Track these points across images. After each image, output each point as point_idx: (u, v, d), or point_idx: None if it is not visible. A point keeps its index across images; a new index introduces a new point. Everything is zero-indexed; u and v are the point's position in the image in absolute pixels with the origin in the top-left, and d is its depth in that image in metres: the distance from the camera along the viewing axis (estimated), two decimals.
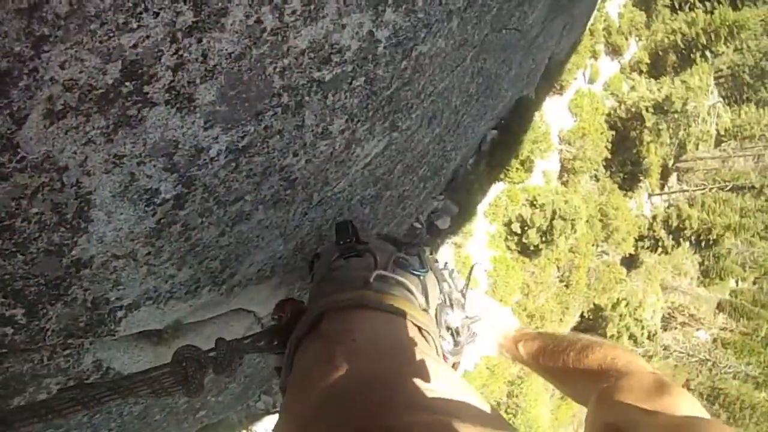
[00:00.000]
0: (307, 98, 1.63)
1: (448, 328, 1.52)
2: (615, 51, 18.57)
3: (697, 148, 18.05)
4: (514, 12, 3.41)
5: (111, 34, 1.02)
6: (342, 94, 1.78)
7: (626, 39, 18.71)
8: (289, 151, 1.76)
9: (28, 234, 1.19)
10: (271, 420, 6.82)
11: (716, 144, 19.47)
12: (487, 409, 0.98)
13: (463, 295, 1.67)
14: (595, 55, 17.06)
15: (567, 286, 15.17)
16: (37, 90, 0.98)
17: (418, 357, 1.12)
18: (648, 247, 18.82)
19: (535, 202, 12.71)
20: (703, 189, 20.98)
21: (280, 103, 1.54)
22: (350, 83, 1.78)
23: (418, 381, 0.99)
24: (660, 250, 18.82)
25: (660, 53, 18.94)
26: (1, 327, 1.32)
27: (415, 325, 1.34)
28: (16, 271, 1.24)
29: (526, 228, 12.63)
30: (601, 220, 15.98)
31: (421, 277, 1.57)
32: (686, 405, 0.91)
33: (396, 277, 1.49)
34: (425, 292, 1.53)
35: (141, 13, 1.03)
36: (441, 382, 1.01)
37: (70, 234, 1.28)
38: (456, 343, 1.52)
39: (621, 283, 17.41)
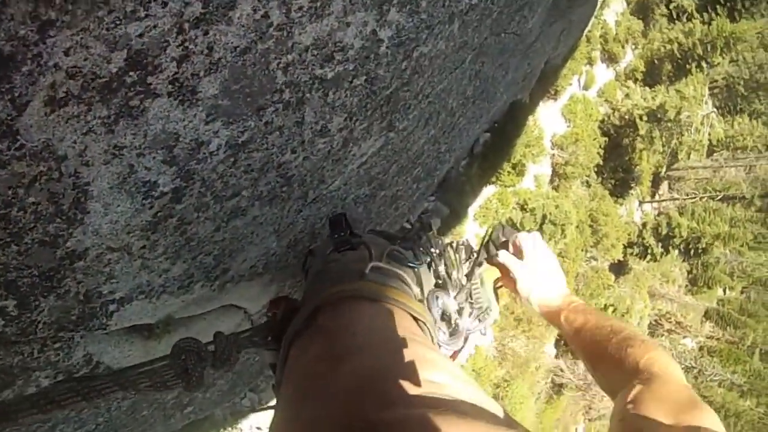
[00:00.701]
0: (308, 95, 1.62)
1: (443, 317, 1.50)
2: (611, 58, 18.67)
3: (689, 158, 18.20)
4: (514, 16, 3.42)
5: (118, 22, 1.01)
6: (342, 92, 1.78)
7: (622, 47, 18.81)
8: (287, 148, 1.75)
9: (24, 224, 1.17)
10: (256, 417, 6.80)
11: (708, 154, 19.56)
12: (486, 399, 0.97)
13: (474, 267, 1.67)
14: (591, 62, 17.14)
15: None
16: (40, 76, 0.97)
17: (417, 348, 1.11)
18: (637, 254, 18.94)
19: (525, 206, 12.75)
20: (694, 198, 21.12)
21: (281, 99, 1.53)
22: (351, 82, 1.78)
23: (417, 373, 0.98)
24: (649, 257, 18.95)
25: (656, 62, 19.05)
26: None
27: (412, 315, 1.33)
28: (10, 262, 1.22)
29: None
30: (590, 226, 16.03)
31: (416, 270, 1.56)
32: (711, 425, 0.91)
33: (392, 268, 1.48)
34: (420, 284, 1.51)
35: (150, 1, 1.02)
36: (440, 374, 1.00)
37: (66, 225, 1.26)
38: (452, 331, 1.50)
39: (609, 288, 17.50)
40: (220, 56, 1.24)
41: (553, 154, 15.30)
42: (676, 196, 22.08)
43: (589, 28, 14.35)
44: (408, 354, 1.07)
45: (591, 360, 1.40)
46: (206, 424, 5.66)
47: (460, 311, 1.53)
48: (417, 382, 0.95)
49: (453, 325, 1.50)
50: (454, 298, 1.55)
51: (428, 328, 1.36)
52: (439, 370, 1.02)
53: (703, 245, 18.70)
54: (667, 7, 19.75)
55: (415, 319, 1.34)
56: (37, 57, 0.94)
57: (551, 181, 15.39)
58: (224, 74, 1.28)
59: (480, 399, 0.96)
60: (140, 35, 1.05)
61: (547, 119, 14.82)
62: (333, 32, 1.51)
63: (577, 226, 14.39)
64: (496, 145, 10.82)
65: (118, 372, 1.22)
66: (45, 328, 1.47)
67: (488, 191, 12.68)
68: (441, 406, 0.87)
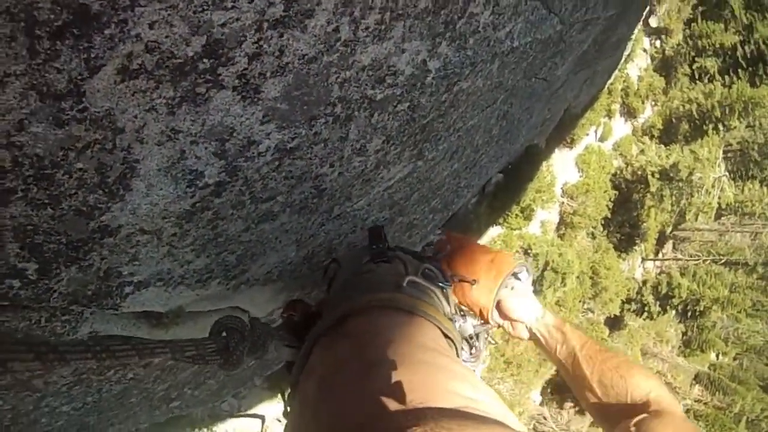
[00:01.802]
0: (356, 113, 1.67)
1: (463, 337, 1.56)
2: (630, 113, 18.79)
3: (696, 219, 18.20)
4: (547, 62, 3.49)
5: (206, 7, 1.02)
6: (386, 115, 1.83)
7: (642, 102, 18.93)
8: (327, 161, 1.80)
9: (65, 188, 1.16)
10: (232, 422, 6.79)
11: (716, 217, 19.49)
12: (512, 417, 0.98)
13: None
14: (609, 114, 17.24)
15: None
16: (120, 42, 0.97)
17: (448, 362, 1.13)
18: (634, 311, 18.85)
19: (529, 251, 12.69)
20: (697, 260, 20.98)
21: (333, 113, 1.58)
22: (395, 106, 1.83)
23: (448, 386, 1.00)
24: (645, 315, 18.85)
25: (673, 120, 19.13)
26: (9, 279, 1.29)
27: (442, 331, 1.37)
28: (41, 225, 1.21)
29: None
30: (591, 278, 15.95)
31: (444, 290, 1.60)
32: None
33: (426, 284, 1.52)
34: (449, 303, 1.56)
35: None
36: (469, 388, 1.02)
37: (106, 198, 1.26)
38: (473, 349, 1.56)
39: (602, 342, 17.35)
40: (289, 61, 1.27)
41: (563, 202, 15.31)
42: (679, 256, 21.97)
43: (611, 80, 14.45)
44: (439, 366, 1.09)
45: (592, 379, 1.40)
46: (185, 420, 5.67)
47: (477, 335, 1.60)
48: (448, 395, 0.97)
49: (472, 346, 1.57)
50: (472, 326, 1.62)
51: (455, 345, 1.40)
52: (468, 384, 1.04)
53: (701, 308, 18.61)
54: (690, 66, 19.86)
55: (445, 335, 1.37)
56: (122, 23, 0.94)
57: (557, 229, 15.37)
58: (288, 79, 1.31)
59: (505, 414, 0.97)
60: (222, 24, 1.07)
61: (561, 167, 14.84)
62: (389, 56, 1.55)
63: (578, 277, 14.34)
64: (507, 187, 10.82)
65: (165, 340, 1.21)
66: (59, 298, 1.46)
67: (494, 231, 12.63)
68: (470, 419, 0.88)
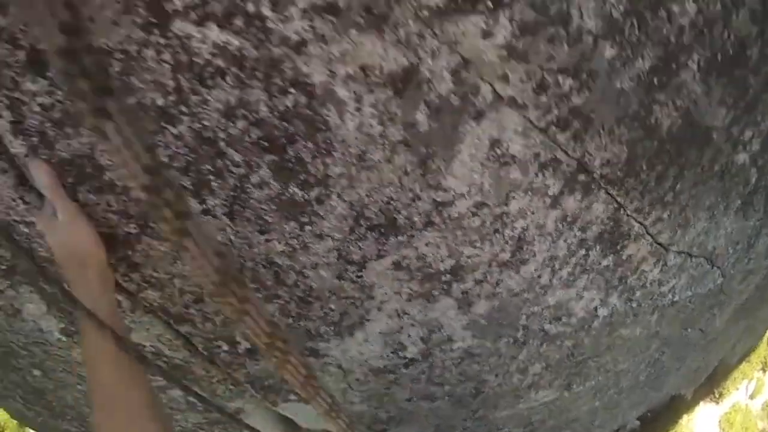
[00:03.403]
0: (531, 341, 1.97)
1: None
2: None
3: None
4: (705, 313, 3.36)
5: (464, 242, 1.43)
6: (553, 347, 2.09)
7: None
8: (494, 372, 2.07)
9: (311, 313, 1.53)
10: None
11: None
12: None
13: None
14: (765, 367, 15.62)
15: None
16: (404, 248, 1.38)
17: None
18: None
19: None
20: None
21: (514, 336, 1.89)
22: (562, 342, 2.09)
23: None
24: None
25: None
26: (222, 341, 1.61)
27: None
28: (264, 328, 1.49)
29: None
30: None
31: None
32: None
33: None
34: None
35: (484, 240, 1.45)
36: None
37: (333, 333, 1.63)
38: None
39: None
40: (500, 291, 1.64)
41: None
42: None
43: None
44: None
45: None
46: None
47: None
48: None
49: None
50: None
51: None
52: None
53: None
54: None
55: None
56: (411, 237, 1.36)
57: None
58: (494, 304, 1.68)
59: None
60: (469, 256, 1.48)
61: (701, 424, 13.53)
62: (570, 300, 1.86)
63: None
64: None
65: None
66: (243, 375, 1.79)
67: None
68: None
